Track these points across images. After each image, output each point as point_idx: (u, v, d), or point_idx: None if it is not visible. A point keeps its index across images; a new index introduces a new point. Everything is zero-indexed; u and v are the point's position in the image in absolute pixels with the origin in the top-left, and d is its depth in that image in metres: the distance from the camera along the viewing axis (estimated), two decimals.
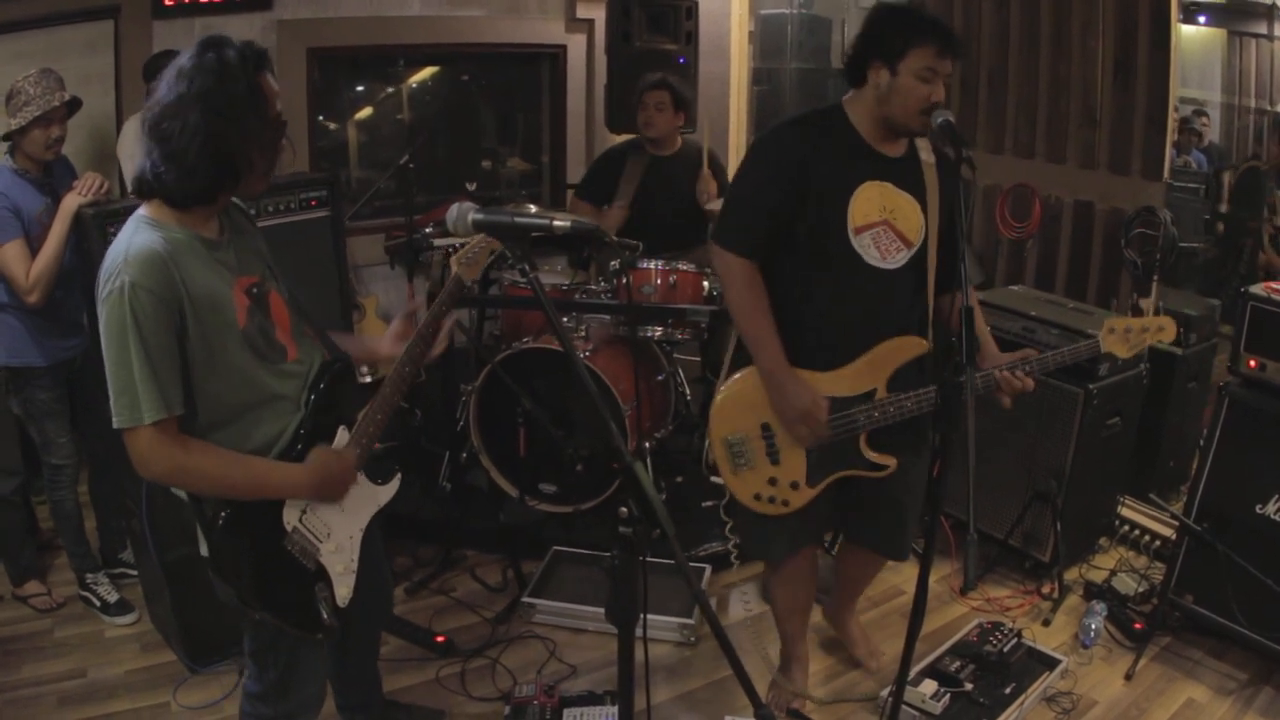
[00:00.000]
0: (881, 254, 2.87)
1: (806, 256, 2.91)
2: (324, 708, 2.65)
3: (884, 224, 2.87)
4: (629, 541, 1.94)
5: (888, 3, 2.87)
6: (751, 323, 2.92)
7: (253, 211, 2.55)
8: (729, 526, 3.32)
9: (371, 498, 2.54)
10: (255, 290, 2.32)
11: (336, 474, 2.39)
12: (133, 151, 4.70)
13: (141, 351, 2.06)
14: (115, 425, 2.11)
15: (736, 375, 3.05)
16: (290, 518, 2.34)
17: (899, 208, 2.87)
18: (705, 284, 4.61)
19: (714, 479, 3.41)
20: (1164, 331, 2.92)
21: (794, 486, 3.03)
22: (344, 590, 2.45)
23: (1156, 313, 4.93)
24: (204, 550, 2.31)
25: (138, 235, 2.12)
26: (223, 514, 2.24)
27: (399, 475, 2.59)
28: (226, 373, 2.22)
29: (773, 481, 3.04)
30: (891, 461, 2.99)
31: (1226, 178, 7.32)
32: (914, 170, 2.87)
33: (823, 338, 2.94)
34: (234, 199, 2.38)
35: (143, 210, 2.20)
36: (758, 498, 3.07)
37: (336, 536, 2.43)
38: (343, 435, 2.44)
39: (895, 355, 2.92)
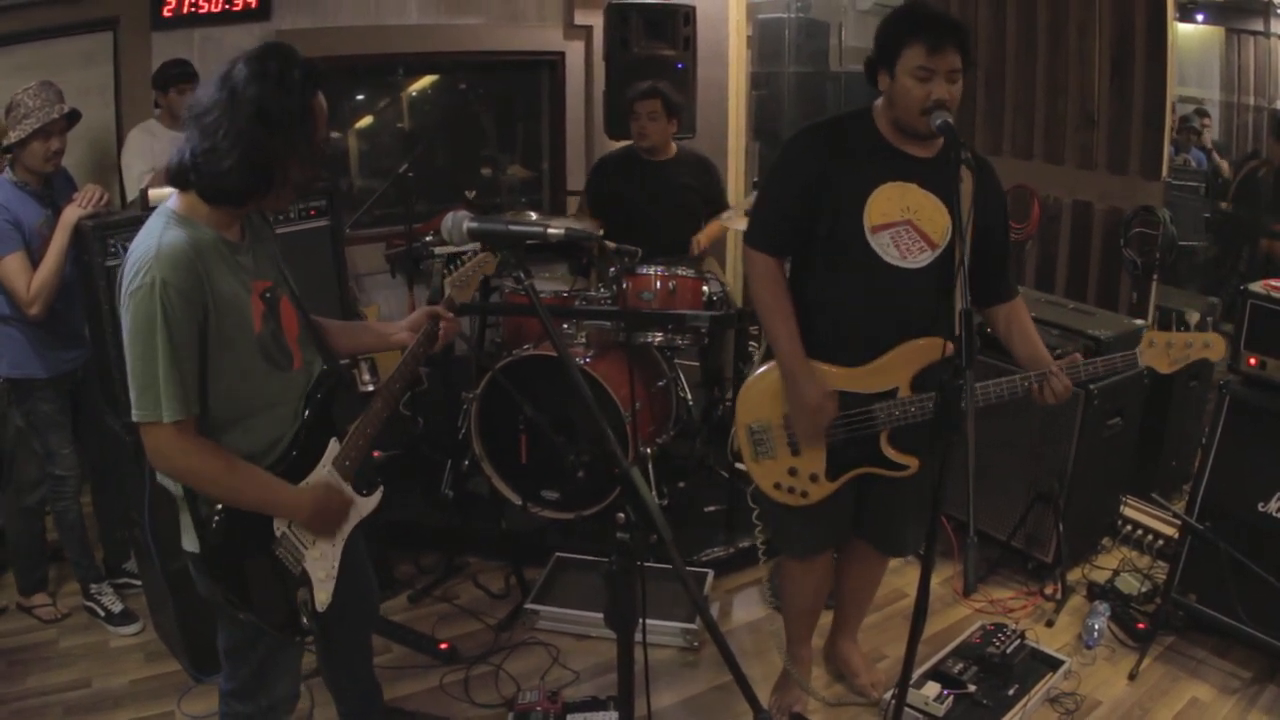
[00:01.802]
0: (902, 253, 2.87)
1: (826, 254, 2.93)
2: (327, 717, 2.66)
3: (905, 223, 2.86)
4: (626, 547, 1.95)
5: (895, 5, 2.86)
6: (771, 318, 2.97)
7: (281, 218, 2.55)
8: (756, 514, 3.33)
9: (356, 508, 2.55)
10: (268, 295, 2.34)
11: (334, 510, 2.44)
12: (132, 162, 4.75)
13: (169, 349, 2.07)
14: (135, 418, 2.12)
15: (765, 366, 3.08)
16: (280, 523, 2.36)
17: (922, 208, 2.87)
18: (704, 289, 4.61)
19: (738, 465, 3.43)
20: (1210, 349, 2.84)
21: (813, 479, 3.04)
22: (324, 596, 2.46)
23: (1157, 311, 4.94)
24: (188, 545, 2.32)
25: (168, 232, 2.13)
26: (218, 516, 2.25)
27: (382, 488, 2.61)
28: (237, 375, 2.23)
29: (793, 472, 3.05)
30: (913, 462, 3.00)
31: (1225, 165, 7.32)
32: (944, 171, 2.80)
33: (843, 333, 2.95)
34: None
35: (172, 204, 2.21)
36: (777, 487, 3.09)
37: (320, 544, 2.45)
38: (334, 447, 2.45)
39: (918, 355, 2.91)
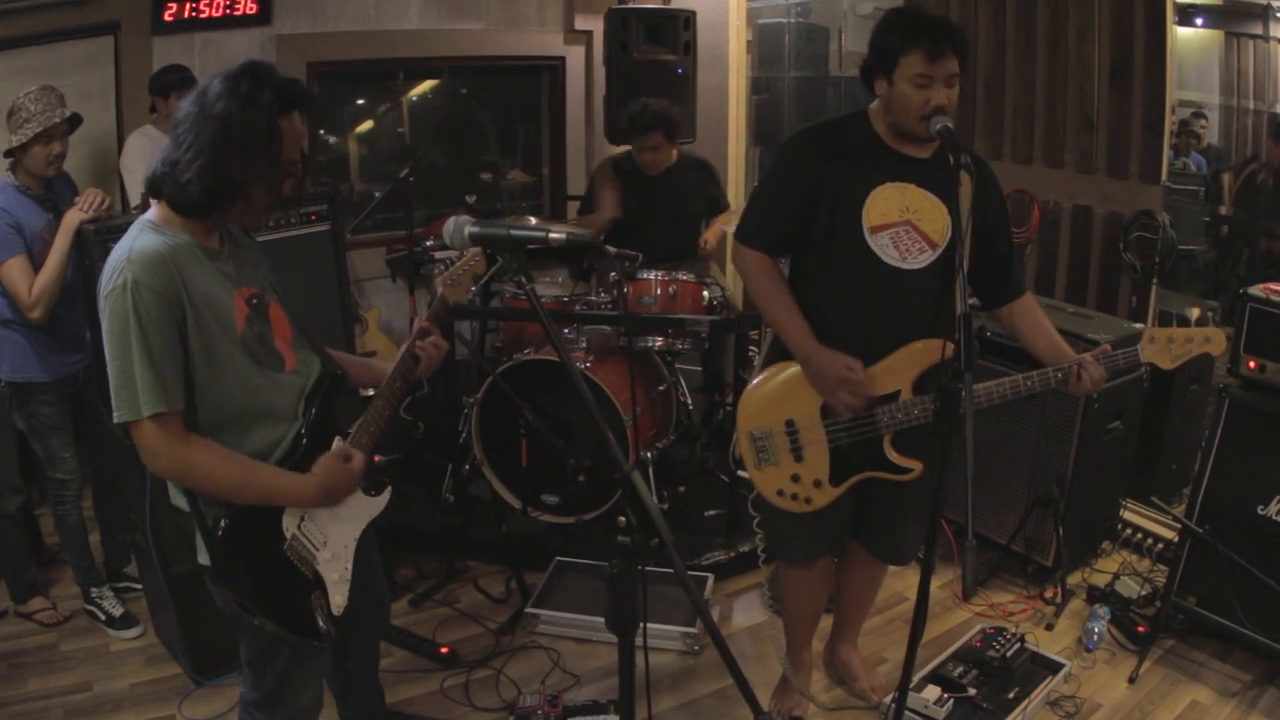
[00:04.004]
0: (901, 254, 2.87)
1: (824, 256, 2.93)
2: (327, 718, 2.66)
3: (905, 224, 2.86)
4: (627, 550, 1.95)
5: (890, 11, 2.87)
6: (773, 307, 2.97)
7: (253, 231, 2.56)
8: (756, 521, 3.32)
9: (365, 509, 2.55)
10: (255, 300, 2.35)
11: (342, 482, 2.40)
12: (134, 166, 4.76)
13: (143, 347, 2.09)
14: (115, 419, 2.14)
15: (765, 371, 3.07)
16: (289, 524, 2.35)
17: (921, 209, 2.87)
18: (705, 294, 4.62)
19: (740, 473, 3.42)
20: (1211, 343, 2.84)
21: (817, 485, 3.03)
22: (339, 599, 2.46)
23: (1158, 315, 4.94)
24: (203, 559, 2.33)
25: (141, 237, 2.16)
26: (223, 520, 2.25)
27: (389, 488, 2.61)
28: (225, 376, 2.24)
29: (796, 478, 3.04)
30: (916, 465, 2.99)
31: (1226, 179, 7.31)
32: (942, 172, 2.82)
33: (843, 336, 2.93)
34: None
35: (149, 214, 2.25)
36: (781, 494, 3.08)
37: (332, 545, 2.44)
38: (338, 446, 2.45)
39: (920, 358, 2.91)
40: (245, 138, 2.14)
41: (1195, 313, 4.77)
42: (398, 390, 2.55)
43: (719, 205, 5.25)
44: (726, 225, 4.97)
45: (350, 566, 2.49)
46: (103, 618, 4.00)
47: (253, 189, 2.22)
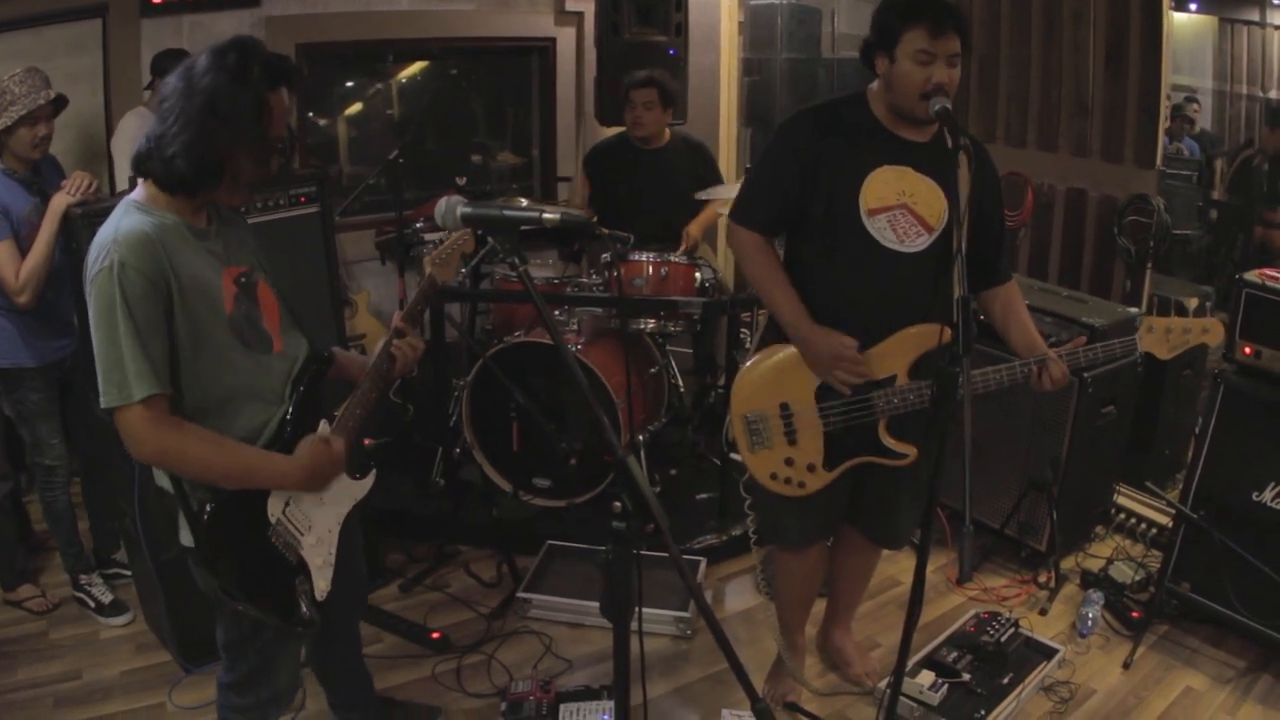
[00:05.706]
0: (899, 237, 2.85)
1: (822, 239, 2.91)
2: (318, 708, 2.64)
3: (902, 207, 2.84)
4: (622, 535, 1.93)
5: None
6: (767, 286, 2.96)
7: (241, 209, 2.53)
8: (748, 504, 3.31)
9: (350, 492, 2.53)
10: (243, 280, 2.33)
11: (326, 465, 2.39)
12: (126, 147, 4.71)
13: (131, 329, 2.06)
14: (103, 404, 2.11)
15: (759, 354, 3.06)
16: (274, 509, 2.33)
17: (918, 192, 2.85)
18: (697, 276, 4.59)
19: (733, 455, 3.41)
20: (1209, 334, 2.85)
21: (810, 469, 3.02)
22: (323, 584, 2.44)
23: (1153, 299, 4.93)
24: (185, 540, 2.30)
25: (127, 218, 2.14)
26: (209, 505, 2.23)
27: (375, 471, 2.59)
28: (212, 358, 2.22)
29: (789, 462, 3.03)
30: (911, 450, 2.97)
31: (1219, 164, 7.31)
32: (940, 155, 2.80)
33: (840, 319, 2.91)
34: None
35: (134, 194, 2.22)
36: (774, 477, 3.06)
37: (317, 529, 2.42)
38: (324, 429, 2.43)
39: (916, 342, 2.89)
40: (232, 111, 2.11)
41: (1193, 303, 4.76)
42: (384, 371, 2.53)
43: (707, 183, 5.21)
44: (721, 211, 4.94)
45: (334, 551, 2.47)
46: (92, 605, 3.97)
47: (240, 164, 2.19)
